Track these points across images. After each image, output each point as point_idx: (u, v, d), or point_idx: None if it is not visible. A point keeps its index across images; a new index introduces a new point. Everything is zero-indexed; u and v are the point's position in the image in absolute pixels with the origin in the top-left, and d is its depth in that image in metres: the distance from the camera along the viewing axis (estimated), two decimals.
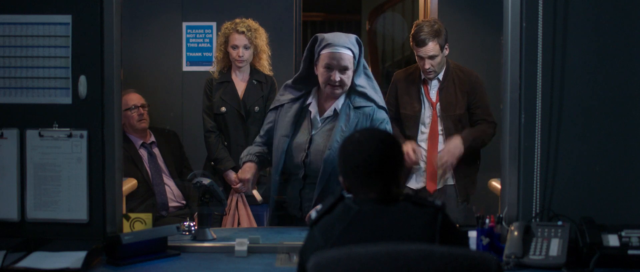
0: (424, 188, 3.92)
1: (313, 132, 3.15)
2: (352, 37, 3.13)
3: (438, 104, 3.89)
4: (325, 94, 3.17)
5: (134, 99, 4.27)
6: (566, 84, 2.85)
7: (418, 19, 4.91)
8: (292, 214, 3.21)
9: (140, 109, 4.25)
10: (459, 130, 3.89)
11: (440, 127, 3.91)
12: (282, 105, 3.24)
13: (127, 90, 4.27)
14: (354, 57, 3.10)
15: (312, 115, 3.18)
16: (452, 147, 3.79)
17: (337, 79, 3.08)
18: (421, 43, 3.80)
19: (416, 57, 3.90)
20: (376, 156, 2.02)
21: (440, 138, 3.92)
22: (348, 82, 3.11)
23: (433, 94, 3.90)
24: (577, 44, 2.85)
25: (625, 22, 2.85)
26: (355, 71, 3.13)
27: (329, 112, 3.15)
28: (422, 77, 3.92)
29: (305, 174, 3.15)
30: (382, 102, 3.20)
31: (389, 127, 3.20)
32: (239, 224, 3.92)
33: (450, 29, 5.08)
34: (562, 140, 2.86)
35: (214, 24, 4.75)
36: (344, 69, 3.09)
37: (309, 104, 3.19)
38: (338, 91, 3.12)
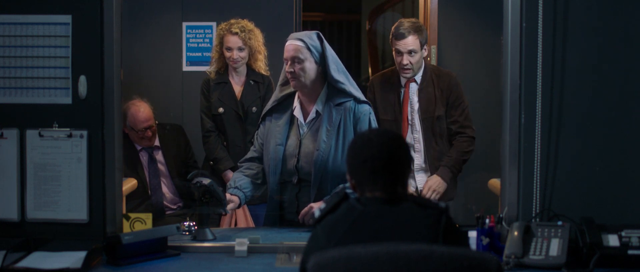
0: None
1: (301, 137, 3.16)
2: (310, 32, 3.13)
3: (418, 106, 3.85)
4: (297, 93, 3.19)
5: (144, 120, 4.09)
6: (566, 84, 2.85)
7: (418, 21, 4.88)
8: (289, 218, 3.21)
9: (148, 131, 4.12)
10: (438, 135, 3.86)
11: (420, 130, 3.86)
12: (271, 115, 3.24)
13: (134, 102, 4.13)
14: (308, 47, 3.08)
15: (298, 121, 3.18)
16: (435, 185, 3.81)
17: (290, 70, 3.09)
18: (400, 36, 3.74)
19: (394, 54, 3.83)
20: (385, 152, 2.02)
21: (420, 145, 3.88)
22: (303, 74, 3.09)
23: (413, 98, 3.86)
24: (577, 44, 2.85)
25: (625, 22, 2.85)
26: (327, 66, 3.10)
27: (311, 115, 3.16)
28: (402, 81, 3.89)
29: (299, 178, 3.15)
30: (362, 97, 3.17)
31: (373, 118, 3.18)
32: (236, 224, 3.92)
33: (450, 29, 5.07)
34: (562, 140, 2.86)
35: (214, 24, 4.74)
36: (294, 60, 3.08)
37: (294, 108, 3.19)
38: (294, 83, 3.12)
